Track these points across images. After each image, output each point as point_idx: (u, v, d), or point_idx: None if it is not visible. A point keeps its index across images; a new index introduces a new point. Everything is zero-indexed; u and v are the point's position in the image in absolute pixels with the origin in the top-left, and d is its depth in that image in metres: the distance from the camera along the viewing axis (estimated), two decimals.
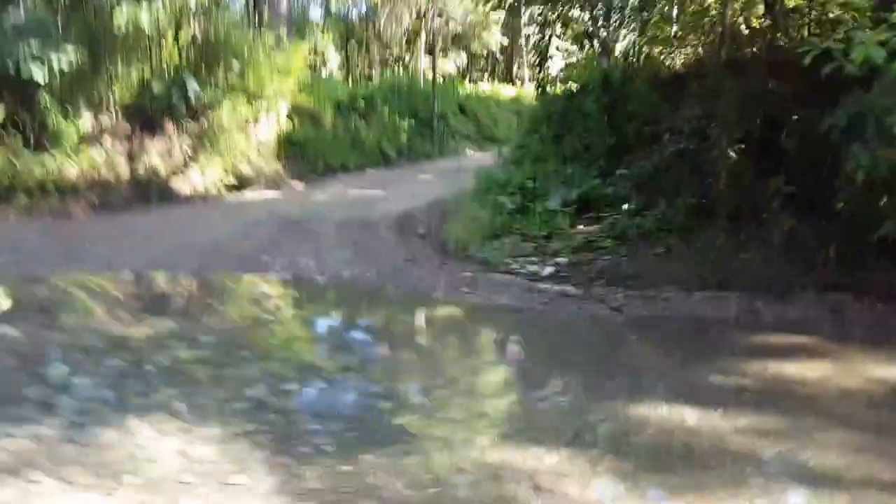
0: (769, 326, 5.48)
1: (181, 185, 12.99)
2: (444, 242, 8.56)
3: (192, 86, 12.94)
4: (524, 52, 24.68)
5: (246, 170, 13.78)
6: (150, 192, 12.76)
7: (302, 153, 15.06)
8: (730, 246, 7.15)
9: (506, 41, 24.51)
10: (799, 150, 7.50)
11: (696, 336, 5.40)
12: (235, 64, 13.78)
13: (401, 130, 17.15)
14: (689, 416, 3.71)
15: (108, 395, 3.86)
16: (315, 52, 19.77)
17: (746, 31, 9.30)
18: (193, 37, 13.80)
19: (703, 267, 6.75)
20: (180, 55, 13.74)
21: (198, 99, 13.23)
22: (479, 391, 4.39)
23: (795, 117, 7.44)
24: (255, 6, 16.85)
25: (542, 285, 6.65)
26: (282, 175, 14.56)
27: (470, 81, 22.21)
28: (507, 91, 22.72)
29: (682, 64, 10.77)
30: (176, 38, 13.48)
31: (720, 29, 9.66)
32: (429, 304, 6.55)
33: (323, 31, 21.59)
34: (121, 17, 12.31)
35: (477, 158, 18.27)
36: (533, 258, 7.42)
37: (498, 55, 24.86)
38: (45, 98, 12.40)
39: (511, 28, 24.39)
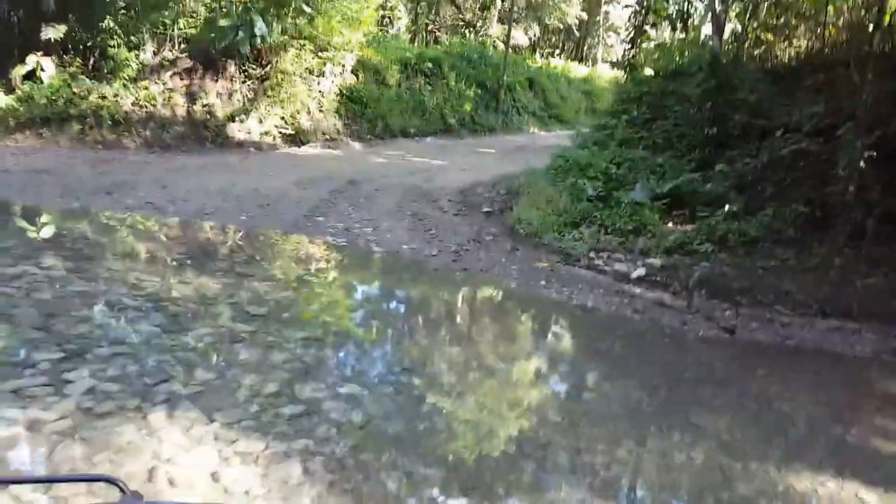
0: None
1: (238, 130, 12.23)
2: (513, 225, 7.59)
3: (260, 26, 12.05)
4: (601, 30, 23.22)
5: (305, 123, 12.96)
6: (206, 134, 12.06)
7: (363, 112, 14.16)
8: (852, 267, 6.04)
9: (584, 16, 23.03)
10: None
11: (834, 376, 4.37)
12: (305, 9, 12.84)
13: (466, 99, 16.11)
14: (867, 497, 2.74)
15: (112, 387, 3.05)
16: (385, 8, 18.71)
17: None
18: None
19: (823, 289, 5.67)
20: None
21: (264, 41, 12.37)
22: (587, 441, 3.35)
23: None
24: None
25: (633, 289, 5.65)
26: (341, 132, 13.70)
27: (541, 56, 20.94)
28: (578, 70, 21.38)
29: (795, 56, 9.48)
30: None
31: (860, 18, 8.39)
32: (503, 296, 5.62)
33: None
34: None
35: (542, 137, 17.14)
36: (619, 255, 6.41)
37: (575, 30, 23.38)
38: (108, 21, 11.72)
39: (592, 2, 22.89)
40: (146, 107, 11.73)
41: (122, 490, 0.92)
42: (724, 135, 8.24)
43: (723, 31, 8.56)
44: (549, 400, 3.80)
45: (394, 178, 10.36)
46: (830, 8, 9.22)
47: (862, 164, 6.35)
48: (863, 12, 9.03)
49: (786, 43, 9.82)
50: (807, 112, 7.37)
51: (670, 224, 7.25)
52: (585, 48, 24.96)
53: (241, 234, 6.92)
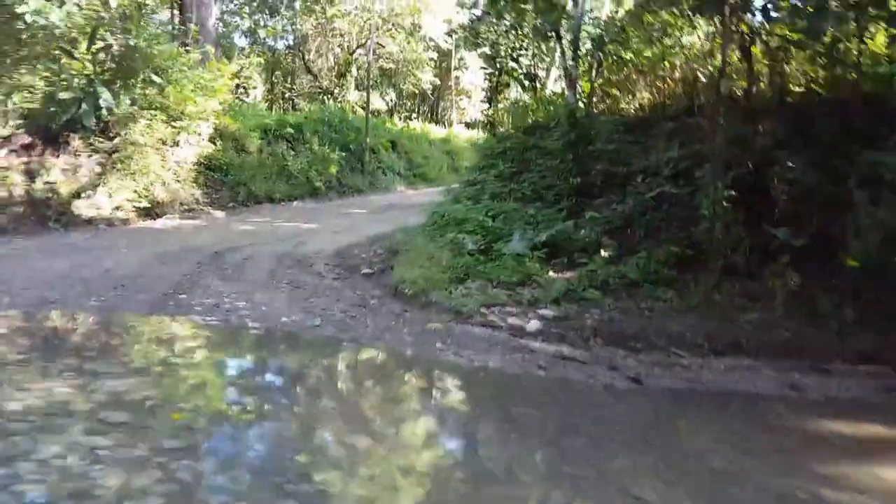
0: (823, 407, 4.33)
1: (85, 207, 10.79)
2: (396, 285, 7.04)
3: (106, 97, 10.88)
4: (453, 94, 23.80)
5: (161, 194, 11.74)
6: (48, 213, 10.54)
7: (224, 180, 13.17)
8: (729, 303, 6.07)
9: (437, 81, 23.54)
10: (790, 199, 6.63)
11: (747, 419, 4.15)
12: (155, 78, 11.82)
13: (331, 162, 15.57)
14: None
15: None
16: (240, 77, 17.93)
17: (715, 76, 8.50)
18: (109, 45, 11.76)
19: (709, 327, 5.61)
20: (94, 64, 11.65)
21: (110, 113, 11.17)
22: None
23: (790, 164, 6.56)
24: (181, 21, 14.93)
25: (531, 343, 5.27)
26: (200, 202, 12.59)
27: (400, 119, 21.00)
28: (437, 130, 21.64)
29: (640, 107, 9.91)
30: (90, 44, 11.41)
31: (693, 71, 8.88)
32: (397, 364, 4.98)
33: (249, 57, 19.78)
34: (27, 9, 10.18)
35: (409, 195, 16.91)
36: (511, 309, 6.04)
37: (430, 95, 23.81)
38: None
39: (442, 68, 23.48)
40: None
41: None
42: (588, 183, 8.30)
43: (576, 86, 8.74)
44: (452, 469, 3.21)
45: (263, 245, 9.50)
46: (666, 63, 9.78)
47: (724, 202, 6.50)
48: (694, 66, 9.64)
49: (630, 96, 10.26)
50: (663, 157, 7.56)
51: (551, 272, 7.04)
52: (440, 111, 25.50)
53: (91, 323, 5.82)
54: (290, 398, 4.21)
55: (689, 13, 8.82)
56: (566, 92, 8.87)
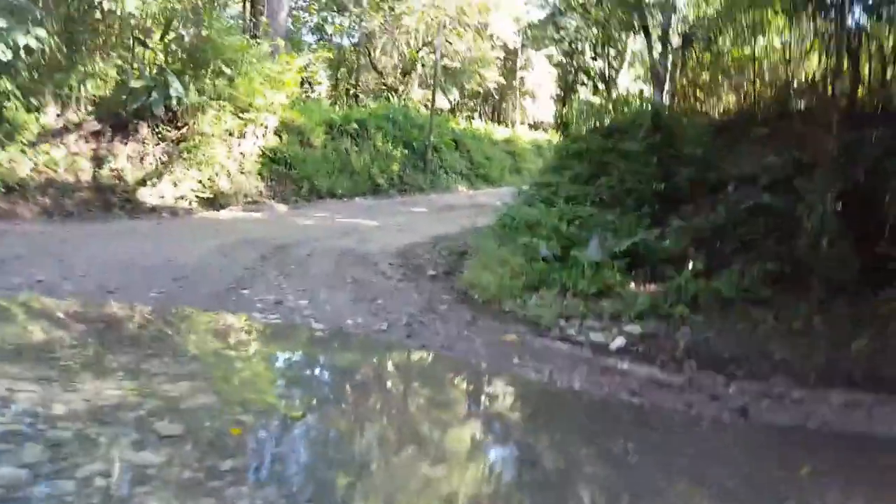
0: None
1: (149, 195, 10.81)
2: (466, 290, 6.65)
3: (176, 87, 10.86)
4: (518, 94, 23.29)
5: (224, 185, 11.70)
6: (114, 199, 10.59)
7: (287, 174, 13.06)
8: (835, 329, 5.43)
9: (502, 80, 23.07)
10: None
11: (887, 470, 3.56)
12: (225, 69, 11.77)
13: (393, 159, 15.32)
14: None
15: None
16: (307, 72, 17.88)
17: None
18: (182, 35, 11.78)
19: (815, 355, 4.99)
20: (166, 54, 11.70)
21: (179, 102, 11.16)
22: None
23: None
24: (252, 13, 14.94)
25: (618, 364, 4.78)
26: (263, 194, 12.50)
27: (462, 118, 20.65)
28: (500, 131, 21.20)
29: (725, 110, 9.24)
30: (164, 34, 11.44)
31: (817, 70, 8.14)
32: (474, 381, 4.56)
33: (316, 53, 19.76)
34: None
35: (470, 196, 16.52)
36: (591, 323, 5.56)
37: (493, 94, 23.38)
38: (4, 82, 10.21)
39: (507, 68, 23.00)
40: (46, 172, 10.20)
41: None
42: (673, 189, 7.71)
43: (663, 86, 8.16)
44: None
45: (325, 241, 9.25)
46: (756, 65, 9.09)
47: (832, 216, 5.85)
48: (788, 68, 8.92)
49: (714, 99, 9.60)
50: (761, 165, 6.92)
51: (633, 284, 6.51)
52: (503, 111, 25.01)
53: (149, 316, 5.61)
54: (360, 415, 3.82)
55: (789, 10, 8.14)
56: (651, 91, 8.29)
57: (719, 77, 9.72)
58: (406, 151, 15.83)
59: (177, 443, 3.01)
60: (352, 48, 22.62)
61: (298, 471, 2.84)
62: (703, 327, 5.48)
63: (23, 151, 10.04)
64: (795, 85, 8.61)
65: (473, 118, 21.29)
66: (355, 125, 14.94)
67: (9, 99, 10.10)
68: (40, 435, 2.92)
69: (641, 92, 9.42)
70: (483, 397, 4.52)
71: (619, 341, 5.10)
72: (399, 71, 21.03)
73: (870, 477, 3.35)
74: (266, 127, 12.84)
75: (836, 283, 5.85)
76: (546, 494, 2.92)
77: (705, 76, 9.69)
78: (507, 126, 22.51)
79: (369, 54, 21.19)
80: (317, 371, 5.01)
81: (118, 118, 11.16)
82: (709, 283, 6.16)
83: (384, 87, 21.03)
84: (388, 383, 4.62)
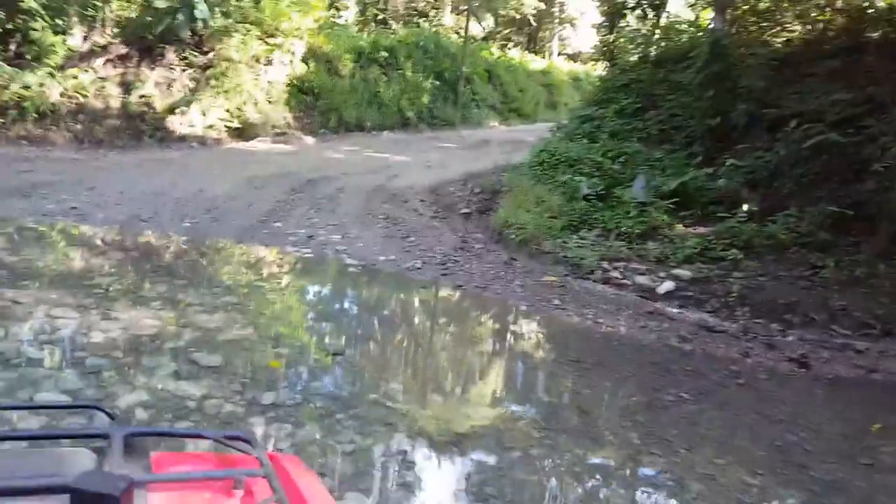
0: None
1: (179, 123, 10.66)
2: (501, 229, 6.46)
3: (202, 9, 10.54)
4: (556, 22, 22.24)
5: (252, 115, 11.48)
6: (143, 127, 10.47)
7: (315, 104, 12.78)
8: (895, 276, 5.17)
9: (542, 6, 21.99)
10: None
11: None
12: None
13: (423, 91, 14.88)
14: None
15: None
16: None
17: None
18: None
19: (879, 303, 4.76)
20: None
21: (206, 25, 10.87)
22: None
23: None
24: None
25: (666, 308, 4.61)
26: (291, 126, 12.28)
27: (497, 48, 19.89)
28: (536, 62, 20.41)
29: (789, 40, 8.65)
30: None
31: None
32: (516, 322, 4.46)
33: None
34: None
35: (503, 131, 16.08)
36: (636, 266, 5.37)
37: (531, 21, 22.34)
38: (30, 2, 10.00)
39: None
40: (76, 98, 10.10)
41: (109, 416, 0.97)
42: (727, 126, 7.32)
43: (724, 11, 7.63)
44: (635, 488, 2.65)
45: (355, 176, 9.09)
46: None
47: None
48: None
49: (777, 28, 9.00)
50: (828, 101, 6.50)
51: (681, 226, 6.27)
52: (540, 41, 24.02)
53: (184, 246, 5.57)
54: (397, 355, 3.74)
55: None
56: (712, 17, 7.76)
57: (784, 4, 9.09)
58: (437, 82, 15.35)
59: (216, 374, 2.99)
60: None
61: (338, 409, 2.79)
62: (757, 272, 5.26)
63: (51, 75, 9.93)
64: (873, 12, 8.00)
65: (508, 47, 20.49)
66: (384, 53, 14.48)
67: (34, 19, 9.92)
68: (80, 362, 2.92)
69: (697, 18, 8.83)
70: (525, 341, 4.41)
71: (668, 285, 4.92)
72: None
73: None
74: (293, 53, 12.48)
75: None
76: (595, 443, 2.83)
77: (770, 2, 9.06)
78: (543, 57, 21.66)
79: None
80: (353, 307, 4.95)
81: (144, 42, 10.93)
82: (763, 226, 5.90)
83: (414, 12, 20.29)
84: (425, 324, 4.53)
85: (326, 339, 3.73)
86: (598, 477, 2.50)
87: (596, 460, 2.64)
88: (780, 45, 8.28)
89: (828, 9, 8.50)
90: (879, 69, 6.48)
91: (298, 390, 2.88)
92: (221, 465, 1.02)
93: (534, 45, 22.58)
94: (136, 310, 3.65)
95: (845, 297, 4.85)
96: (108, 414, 0.98)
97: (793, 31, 8.81)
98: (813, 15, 8.67)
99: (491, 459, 2.45)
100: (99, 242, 5.50)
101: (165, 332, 3.33)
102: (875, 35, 7.41)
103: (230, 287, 4.51)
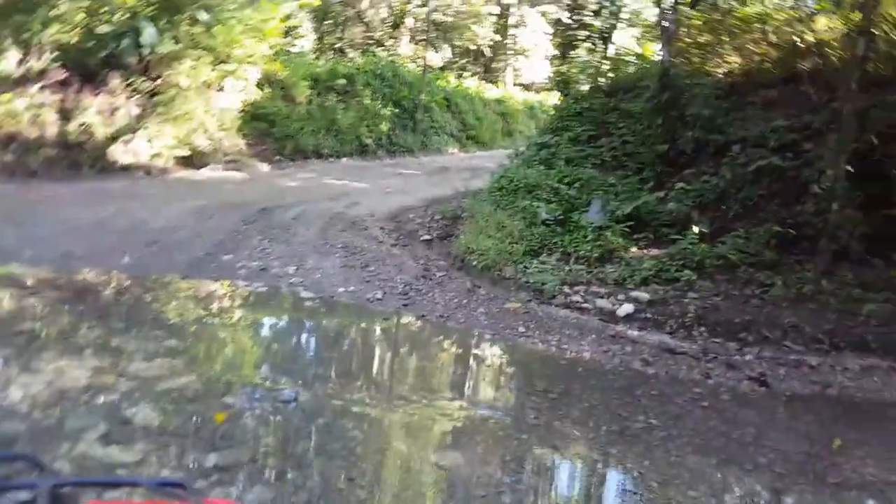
0: None
1: (122, 152, 10.32)
2: (463, 255, 6.51)
3: (149, 33, 10.39)
4: (510, 52, 22.76)
5: (203, 143, 11.29)
6: (83, 157, 10.05)
7: (270, 131, 12.70)
8: (843, 292, 5.40)
9: (497, 37, 22.50)
10: None
11: None
12: (202, 16, 11.30)
13: (382, 118, 14.98)
14: None
15: None
16: (288, 22, 17.32)
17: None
18: None
19: (826, 319, 4.97)
20: None
21: (153, 51, 10.69)
22: None
23: None
24: None
25: (628, 331, 4.73)
26: (245, 153, 12.16)
27: (454, 77, 20.22)
28: (491, 91, 20.81)
29: (729, 71, 9.06)
30: None
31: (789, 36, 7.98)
32: (480, 351, 4.45)
33: (300, 2, 19.13)
34: None
35: (461, 158, 16.26)
36: (596, 289, 5.48)
37: (486, 52, 22.83)
38: None
39: (500, 24, 22.39)
40: (7, 126, 9.69)
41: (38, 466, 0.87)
42: (676, 152, 7.60)
43: (671, 42, 7.95)
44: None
45: (312, 203, 9.02)
46: (761, 26, 8.90)
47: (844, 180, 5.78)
48: (794, 29, 8.75)
49: (718, 59, 9.41)
50: (769, 127, 6.81)
51: (635, 249, 6.43)
52: (495, 70, 24.50)
53: (122, 284, 5.38)
54: (358, 396, 3.65)
55: None
56: (660, 50, 8.07)
57: (724, 37, 9.53)
58: (395, 110, 15.49)
59: (151, 437, 2.79)
60: None
61: (293, 464, 2.70)
62: (711, 292, 5.43)
63: None
64: (803, 46, 8.45)
65: (464, 77, 20.87)
66: (342, 81, 14.56)
67: None
68: None
69: (645, 50, 9.18)
70: (491, 371, 4.41)
71: (627, 307, 5.04)
72: (388, 24, 20.44)
73: (892, 448, 3.33)
74: (247, 80, 12.41)
75: (842, 249, 5.82)
76: (563, 475, 2.84)
77: (710, 36, 9.48)
78: (498, 86, 22.14)
79: (356, 6, 20.57)
80: (309, 345, 4.83)
81: (86, 67, 10.59)
82: (714, 247, 6.11)
83: (371, 42, 20.49)
84: (385, 359, 4.47)
85: (280, 384, 3.65)
86: None
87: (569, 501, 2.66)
88: (721, 76, 8.65)
89: (762, 42, 8.94)
90: (814, 97, 6.84)
91: (247, 447, 2.76)
92: None
93: (489, 74, 23.07)
94: (63, 360, 3.47)
95: (795, 313, 5.04)
96: (36, 464, 0.90)
97: (732, 63, 9.22)
98: (749, 48, 9.11)
99: None
100: (24, 284, 5.26)
101: (96, 384, 3.14)
102: (807, 66, 7.82)
103: (172, 328, 4.37)
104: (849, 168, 5.80)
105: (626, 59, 9.52)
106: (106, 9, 10.63)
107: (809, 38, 8.47)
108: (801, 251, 6.13)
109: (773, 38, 9.09)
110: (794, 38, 8.62)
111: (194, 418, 3.15)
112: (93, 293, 5.23)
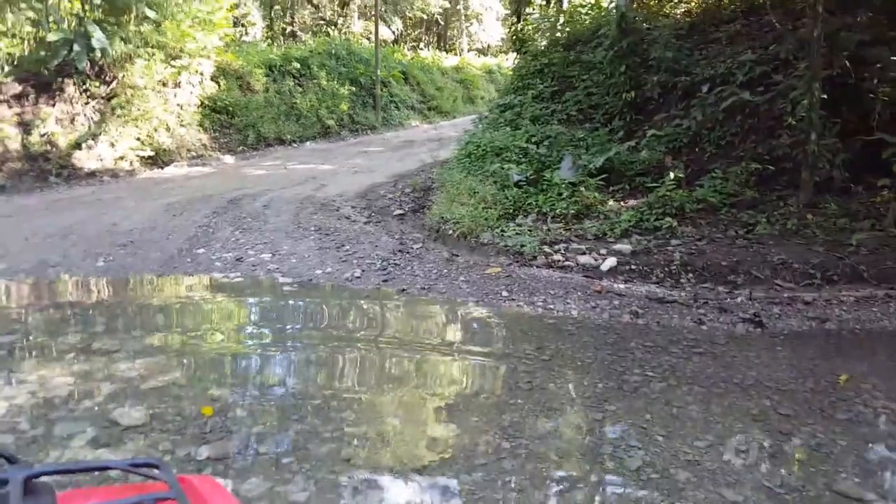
0: None
1: (86, 158, 9.85)
2: (438, 226, 6.17)
3: (98, 37, 9.76)
4: (463, 19, 22.10)
5: (165, 141, 10.77)
6: (48, 167, 9.62)
7: (231, 123, 12.15)
8: (829, 224, 5.17)
9: (447, 5, 21.81)
10: (892, 102, 5.62)
11: None
12: (150, 13, 10.65)
13: (341, 98, 14.43)
14: None
15: None
16: (236, 11, 16.58)
17: None
18: None
19: (815, 253, 4.73)
20: (83, 2, 10.49)
21: (104, 54, 10.07)
22: None
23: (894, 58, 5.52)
24: None
25: (614, 284, 4.42)
26: (208, 148, 11.61)
27: (408, 49, 19.55)
28: (448, 60, 20.20)
29: (688, 11, 8.70)
30: None
31: None
32: (466, 319, 4.16)
33: None
34: None
35: (425, 130, 15.82)
36: (577, 246, 5.18)
37: (438, 21, 22.13)
38: None
39: None
40: None
41: (9, 460, 0.90)
42: (643, 98, 7.26)
43: None
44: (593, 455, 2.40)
45: (280, 190, 8.61)
46: None
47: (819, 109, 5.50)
48: None
49: (675, 1, 9.05)
50: (735, 63, 6.50)
51: (612, 201, 6.13)
52: (449, 39, 23.84)
53: (98, 288, 5.03)
54: (350, 379, 3.36)
55: None
56: None
57: None
58: (353, 88, 14.93)
59: (140, 434, 2.53)
60: None
61: (285, 452, 2.41)
62: (694, 238, 5.15)
63: None
64: None
65: (419, 48, 20.21)
66: (296, 64, 13.95)
67: None
68: None
69: (596, 1, 8.78)
70: (480, 340, 4.11)
71: (611, 261, 4.74)
72: (336, 3, 19.67)
73: None
74: (202, 74, 11.82)
75: (825, 180, 5.58)
76: (570, 444, 2.57)
77: None
78: (455, 54, 21.50)
79: None
80: (291, 329, 4.50)
81: (40, 77, 10.06)
82: (692, 191, 5.83)
83: (322, 22, 19.73)
84: (370, 337, 4.15)
85: (265, 371, 3.33)
86: (579, 485, 2.23)
87: (573, 463, 2.37)
88: (680, 16, 8.30)
89: None
90: (779, 26, 6.52)
91: (238, 437, 2.49)
92: (131, 494, 0.96)
93: (444, 43, 22.38)
94: (46, 368, 3.16)
95: (783, 250, 4.79)
96: (7, 458, 0.90)
97: (690, 1, 8.87)
98: None
99: (460, 482, 2.14)
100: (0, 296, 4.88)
101: (81, 389, 2.86)
102: None
103: (152, 326, 4.04)
104: (823, 96, 5.52)
105: (582, 10, 9.11)
106: (52, 16, 10.00)
107: None
108: (782, 186, 5.87)
109: None
110: None
111: (182, 414, 2.85)
112: (70, 298, 4.86)
